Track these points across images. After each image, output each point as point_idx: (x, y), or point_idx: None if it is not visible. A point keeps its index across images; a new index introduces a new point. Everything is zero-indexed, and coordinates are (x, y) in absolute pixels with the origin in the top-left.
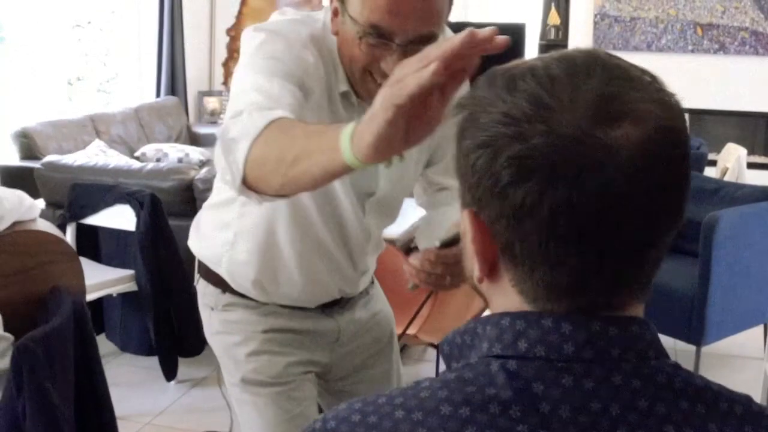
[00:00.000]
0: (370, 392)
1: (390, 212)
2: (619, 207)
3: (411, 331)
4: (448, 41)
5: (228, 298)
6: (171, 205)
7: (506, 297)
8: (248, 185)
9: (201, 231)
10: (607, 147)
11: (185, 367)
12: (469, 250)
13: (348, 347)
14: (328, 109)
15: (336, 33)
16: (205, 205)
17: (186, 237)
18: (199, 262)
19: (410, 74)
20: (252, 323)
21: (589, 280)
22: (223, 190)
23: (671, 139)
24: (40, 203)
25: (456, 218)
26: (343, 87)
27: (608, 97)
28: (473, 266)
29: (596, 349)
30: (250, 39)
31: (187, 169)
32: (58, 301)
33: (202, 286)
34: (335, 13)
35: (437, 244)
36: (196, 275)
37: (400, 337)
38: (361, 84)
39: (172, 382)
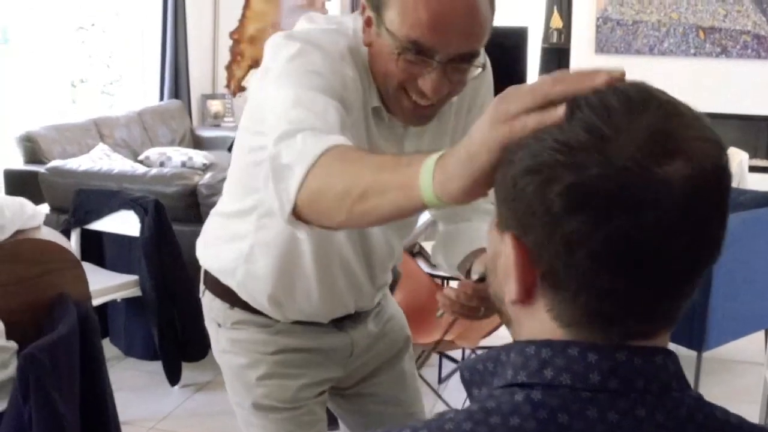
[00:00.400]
0: (385, 395)
1: (410, 226)
2: (671, 240)
3: (448, 337)
4: (578, 76)
5: (237, 314)
6: (175, 211)
7: (537, 321)
8: (299, 216)
9: (209, 240)
10: (662, 181)
11: (189, 372)
12: (502, 271)
13: (362, 359)
14: (364, 125)
15: (369, 44)
16: (215, 212)
17: (189, 242)
18: (206, 272)
19: (525, 112)
20: (262, 344)
21: (633, 308)
22: (236, 199)
23: (719, 176)
24: (44, 208)
25: (479, 239)
26: (375, 102)
27: (663, 133)
28: (508, 288)
29: (621, 378)
30: (281, 47)
31: (190, 174)
32: (64, 309)
33: (208, 300)
34: (368, 23)
35: (474, 278)
36: (202, 287)
37: (437, 344)
38: (395, 101)
39: (176, 387)
